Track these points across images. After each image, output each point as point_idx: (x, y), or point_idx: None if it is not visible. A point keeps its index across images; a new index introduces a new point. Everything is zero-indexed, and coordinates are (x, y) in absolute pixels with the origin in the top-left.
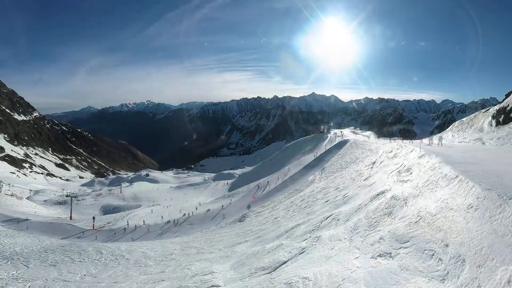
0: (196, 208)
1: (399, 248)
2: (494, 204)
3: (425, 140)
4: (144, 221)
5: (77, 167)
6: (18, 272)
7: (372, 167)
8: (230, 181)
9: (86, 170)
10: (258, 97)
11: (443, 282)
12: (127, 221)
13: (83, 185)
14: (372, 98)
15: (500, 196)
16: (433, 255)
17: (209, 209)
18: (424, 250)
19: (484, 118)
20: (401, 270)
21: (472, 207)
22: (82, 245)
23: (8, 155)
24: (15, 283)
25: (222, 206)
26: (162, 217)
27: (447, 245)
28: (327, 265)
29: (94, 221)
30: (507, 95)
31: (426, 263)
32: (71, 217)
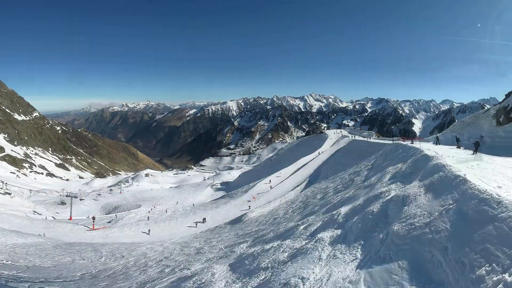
0: (193, 204)
1: (399, 249)
2: (495, 205)
3: (428, 142)
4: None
5: (77, 167)
6: (18, 272)
7: (372, 167)
8: (229, 181)
9: (86, 170)
10: (258, 97)
11: (443, 284)
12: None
13: (83, 185)
14: (372, 98)
15: (501, 197)
16: (432, 256)
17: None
18: (424, 252)
19: (484, 118)
20: (401, 271)
21: (473, 207)
22: (82, 245)
23: (8, 155)
24: (15, 283)
25: (224, 206)
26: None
27: (446, 247)
28: (327, 265)
29: (94, 221)
30: (507, 95)
31: (426, 265)
32: (71, 217)
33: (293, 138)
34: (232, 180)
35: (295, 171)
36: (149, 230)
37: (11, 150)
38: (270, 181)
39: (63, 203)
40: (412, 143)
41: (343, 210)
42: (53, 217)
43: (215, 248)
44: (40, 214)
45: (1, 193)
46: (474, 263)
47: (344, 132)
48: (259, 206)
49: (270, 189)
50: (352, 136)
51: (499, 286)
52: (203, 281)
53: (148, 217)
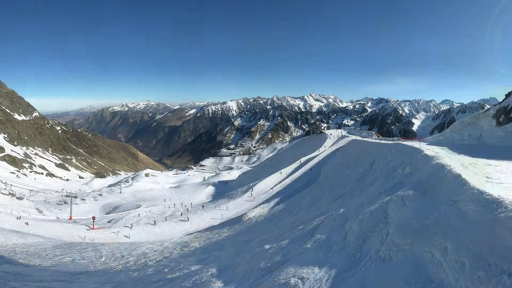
0: (191, 204)
1: (399, 249)
2: (495, 205)
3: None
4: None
5: (77, 167)
6: (18, 272)
7: (371, 167)
8: (229, 181)
9: (86, 170)
10: (258, 97)
11: (443, 284)
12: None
13: (82, 185)
14: (372, 98)
15: (501, 198)
16: (432, 256)
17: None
18: (424, 252)
19: (484, 118)
20: (400, 272)
21: (473, 208)
22: (82, 245)
23: (8, 155)
24: (14, 283)
25: (224, 206)
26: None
27: (446, 247)
28: (326, 265)
29: (94, 221)
30: (507, 95)
31: (426, 265)
32: (71, 217)
33: (293, 138)
34: (232, 180)
35: (295, 171)
36: (129, 233)
37: (11, 150)
38: (281, 172)
39: (63, 202)
40: (414, 142)
41: (343, 210)
42: (58, 217)
43: (215, 248)
44: (40, 212)
45: (5, 194)
46: (474, 263)
47: (344, 132)
48: (259, 207)
49: (270, 189)
50: (352, 136)
51: (499, 286)
52: (202, 281)
53: (132, 225)
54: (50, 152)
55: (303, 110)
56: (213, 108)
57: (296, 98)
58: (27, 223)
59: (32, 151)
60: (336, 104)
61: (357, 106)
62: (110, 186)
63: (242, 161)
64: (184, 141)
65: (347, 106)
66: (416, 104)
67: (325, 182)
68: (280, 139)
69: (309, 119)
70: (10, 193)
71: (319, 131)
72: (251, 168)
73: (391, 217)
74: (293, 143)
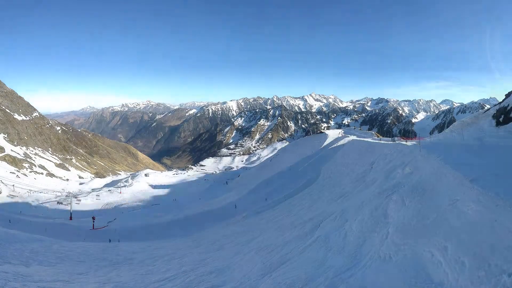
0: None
1: (399, 249)
2: (496, 206)
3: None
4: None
5: (77, 167)
6: (17, 272)
7: (371, 168)
8: (230, 181)
9: (86, 170)
10: (258, 97)
11: (443, 284)
12: None
13: (82, 184)
14: (372, 98)
15: (504, 200)
16: (432, 256)
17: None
18: (424, 252)
19: (484, 118)
20: (400, 272)
21: (473, 208)
22: (83, 245)
23: (8, 155)
24: (13, 284)
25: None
26: None
27: (446, 247)
28: (326, 265)
29: (94, 221)
30: (507, 95)
31: (426, 265)
32: (71, 217)
33: (293, 138)
34: (232, 180)
35: (295, 171)
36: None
37: (11, 150)
38: None
39: (63, 202)
40: (414, 142)
41: (343, 210)
42: (61, 217)
43: (218, 248)
44: (41, 213)
45: (5, 194)
46: (474, 263)
47: (344, 132)
48: (260, 206)
49: (269, 189)
50: (351, 136)
51: (499, 286)
52: (202, 281)
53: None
54: (50, 152)
55: (303, 110)
56: (213, 108)
57: (296, 98)
58: (28, 223)
59: (32, 151)
60: (336, 104)
61: (357, 106)
62: (110, 186)
63: (242, 161)
64: (184, 141)
65: (347, 106)
66: (416, 104)
67: (325, 182)
68: (280, 139)
69: (309, 119)
70: (10, 195)
71: (319, 131)
72: (251, 168)
73: (391, 217)
74: (292, 143)
